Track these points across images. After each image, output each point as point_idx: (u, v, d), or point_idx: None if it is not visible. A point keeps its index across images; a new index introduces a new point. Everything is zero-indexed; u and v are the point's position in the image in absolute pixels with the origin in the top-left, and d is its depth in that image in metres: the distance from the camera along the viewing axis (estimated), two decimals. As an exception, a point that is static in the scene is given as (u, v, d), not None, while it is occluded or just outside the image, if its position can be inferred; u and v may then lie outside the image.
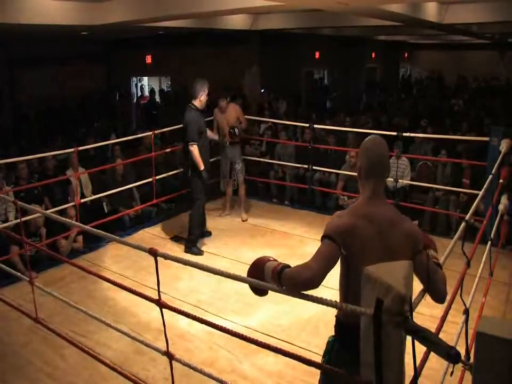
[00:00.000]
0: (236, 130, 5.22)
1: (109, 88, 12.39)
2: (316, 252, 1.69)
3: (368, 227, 1.72)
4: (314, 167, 5.94)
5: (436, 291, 1.74)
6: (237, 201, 5.72)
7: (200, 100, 4.57)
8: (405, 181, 5.68)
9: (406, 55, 19.95)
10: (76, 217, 4.61)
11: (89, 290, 3.93)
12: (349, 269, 1.75)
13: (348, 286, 1.77)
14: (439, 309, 2.38)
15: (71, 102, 10.97)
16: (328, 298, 1.59)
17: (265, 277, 1.77)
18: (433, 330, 1.53)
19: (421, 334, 1.31)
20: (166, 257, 2.05)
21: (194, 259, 4.14)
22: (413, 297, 1.52)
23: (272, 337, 3.25)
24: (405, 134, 5.12)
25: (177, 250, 4.74)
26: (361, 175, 1.85)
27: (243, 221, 5.46)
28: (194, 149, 4.48)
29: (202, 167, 4.52)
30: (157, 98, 12.44)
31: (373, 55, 17.18)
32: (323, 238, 1.72)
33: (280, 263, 1.74)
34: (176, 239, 5.06)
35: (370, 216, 1.75)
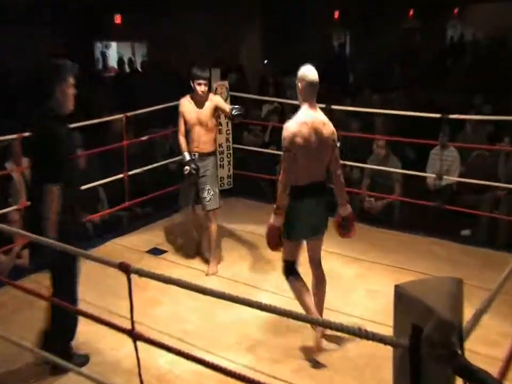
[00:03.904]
0: (240, 110, 4.51)
1: (64, 56, 12.39)
2: (283, 162, 3.35)
3: (308, 129, 3.29)
4: (332, 160, 5.96)
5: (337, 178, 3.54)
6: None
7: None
8: (452, 178, 5.68)
9: (455, 10, 19.42)
10: (19, 224, 4.61)
11: (38, 321, 3.90)
12: (294, 160, 3.29)
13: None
14: (500, 348, 2.38)
15: (13, 75, 10.88)
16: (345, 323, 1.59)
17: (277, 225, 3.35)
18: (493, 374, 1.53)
19: (477, 376, 1.28)
20: (142, 274, 2.07)
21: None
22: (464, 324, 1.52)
23: (278, 379, 3.26)
24: (452, 116, 5.10)
25: (155, 266, 4.75)
26: (301, 97, 3.38)
27: (206, 275, 4.66)
28: None
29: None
30: (128, 70, 12.45)
31: (411, 12, 16.95)
32: (285, 151, 3.32)
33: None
34: (155, 252, 5.08)
35: (309, 121, 3.32)
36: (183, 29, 11.03)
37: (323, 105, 6.14)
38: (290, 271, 3.57)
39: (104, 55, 13.48)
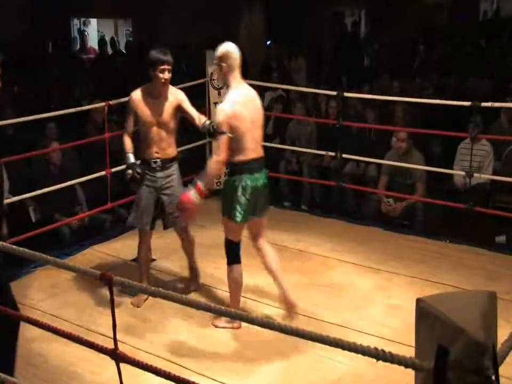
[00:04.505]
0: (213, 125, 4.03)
1: (37, 34, 12.36)
2: (219, 145, 3.67)
3: (242, 106, 3.69)
4: (344, 155, 5.96)
5: None
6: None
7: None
8: (485, 176, 5.68)
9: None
10: None
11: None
12: (234, 142, 3.66)
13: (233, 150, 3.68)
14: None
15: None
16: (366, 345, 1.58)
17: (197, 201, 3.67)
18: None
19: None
20: (127, 285, 2.07)
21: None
22: (498, 346, 1.51)
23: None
24: (484, 104, 5.10)
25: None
26: (228, 76, 3.76)
27: (133, 304, 4.33)
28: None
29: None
30: (110, 51, 12.46)
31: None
32: (221, 133, 3.63)
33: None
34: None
35: (241, 99, 3.72)
36: (174, 4, 11.05)
37: (334, 93, 6.25)
38: (235, 254, 3.90)
39: (82, 34, 13.48)
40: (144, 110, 4.16)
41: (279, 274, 3.94)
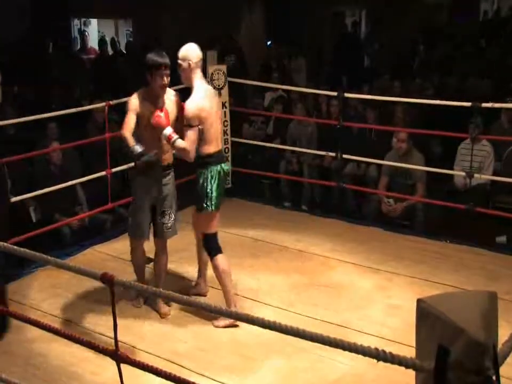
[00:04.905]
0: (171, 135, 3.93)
1: (37, 34, 12.35)
2: (188, 138, 3.84)
3: (207, 101, 3.93)
4: (345, 156, 5.97)
5: None
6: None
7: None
8: (485, 176, 5.68)
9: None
10: None
11: (6, 343, 3.92)
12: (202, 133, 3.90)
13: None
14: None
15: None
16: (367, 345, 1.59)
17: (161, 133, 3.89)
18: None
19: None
20: (128, 286, 2.07)
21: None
22: (498, 346, 1.51)
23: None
24: (485, 105, 5.11)
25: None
26: (192, 75, 3.95)
27: (162, 317, 4.21)
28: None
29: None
30: (110, 51, 12.45)
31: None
32: (190, 126, 3.83)
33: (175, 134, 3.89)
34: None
35: (207, 95, 3.98)
36: (174, 4, 11.04)
37: (335, 93, 6.25)
38: (216, 244, 4.08)
39: (82, 34, 13.48)
40: (143, 116, 3.99)
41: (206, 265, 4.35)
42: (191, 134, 3.84)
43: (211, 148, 3.98)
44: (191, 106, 3.85)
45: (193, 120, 3.83)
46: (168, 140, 3.87)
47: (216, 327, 4.03)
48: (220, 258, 4.03)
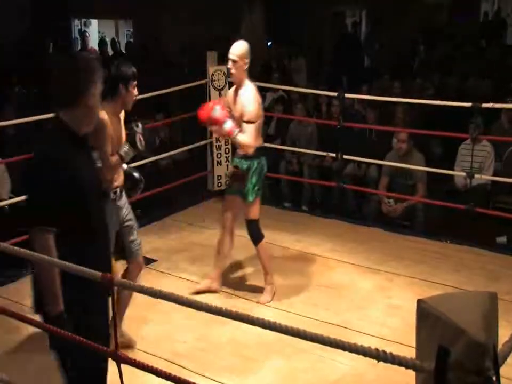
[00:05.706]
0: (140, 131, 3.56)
1: (37, 35, 12.37)
2: (250, 133, 4.00)
3: (259, 98, 4.21)
4: (345, 156, 5.97)
5: None
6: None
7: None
8: (486, 176, 5.68)
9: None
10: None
11: (5, 345, 3.92)
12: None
13: None
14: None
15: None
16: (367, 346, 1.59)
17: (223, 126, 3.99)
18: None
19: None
20: (127, 287, 2.06)
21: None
22: (499, 347, 1.50)
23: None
24: (485, 105, 5.12)
25: (143, 277, 4.73)
26: (245, 73, 4.07)
27: (127, 347, 3.69)
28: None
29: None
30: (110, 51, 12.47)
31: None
32: (251, 122, 3.98)
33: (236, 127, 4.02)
34: (144, 261, 5.07)
35: (256, 92, 4.13)
36: (174, 4, 11.05)
37: (335, 94, 6.25)
38: (260, 231, 4.28)
39: (83, 35, 13.50)
40: (113, 134, 3.50)
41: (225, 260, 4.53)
42: (253, 130, 4.02)
43: (259, 141, 4.18)
44: (253, 103, 4.03)
45: (256, 116, 4.02)
46: (228, 134, 4.09)
47: (264, 303, 4.33)
48: (264, 244, 4.32)
